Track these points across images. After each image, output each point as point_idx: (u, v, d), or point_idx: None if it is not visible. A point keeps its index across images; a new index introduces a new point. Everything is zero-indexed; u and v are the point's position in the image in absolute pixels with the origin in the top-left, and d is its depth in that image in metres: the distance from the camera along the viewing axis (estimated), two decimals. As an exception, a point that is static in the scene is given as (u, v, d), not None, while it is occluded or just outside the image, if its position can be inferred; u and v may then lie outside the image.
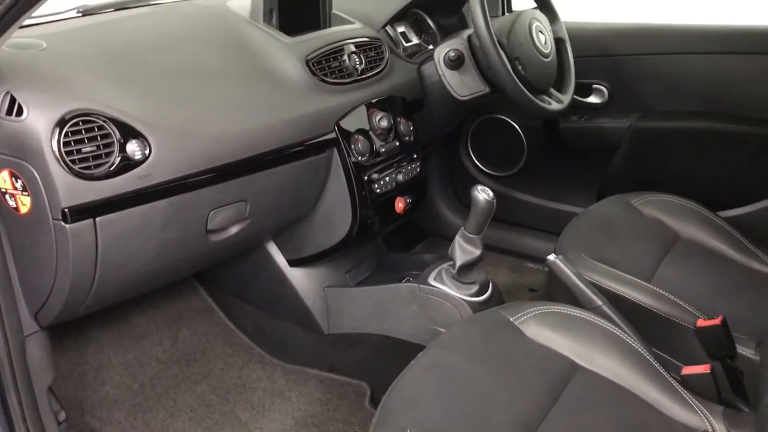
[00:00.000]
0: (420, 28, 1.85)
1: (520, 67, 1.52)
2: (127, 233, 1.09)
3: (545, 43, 1.60)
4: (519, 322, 1.19)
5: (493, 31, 1.45)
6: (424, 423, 0.94)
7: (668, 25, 1.83)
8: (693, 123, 1.82)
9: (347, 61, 1.43)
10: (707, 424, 1.05)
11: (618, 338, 1.18)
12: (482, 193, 1.37)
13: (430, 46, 1.81)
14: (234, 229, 1.30)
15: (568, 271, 1.34)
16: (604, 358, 1.13)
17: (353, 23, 1.54)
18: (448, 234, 2.21)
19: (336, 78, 1.40)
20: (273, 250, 1.55)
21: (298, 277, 1.57)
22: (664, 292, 1.36)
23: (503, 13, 2.08)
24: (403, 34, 1.75)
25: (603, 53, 1.88)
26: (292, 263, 1.57)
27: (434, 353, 1.10)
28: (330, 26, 1.52)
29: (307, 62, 1.36)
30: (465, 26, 1.88)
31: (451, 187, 2.24)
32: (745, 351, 1.25)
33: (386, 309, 1.52)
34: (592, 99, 1.94)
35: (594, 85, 1.93)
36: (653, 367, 1.14)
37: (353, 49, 1.46)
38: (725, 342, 1.26)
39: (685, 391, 1.11)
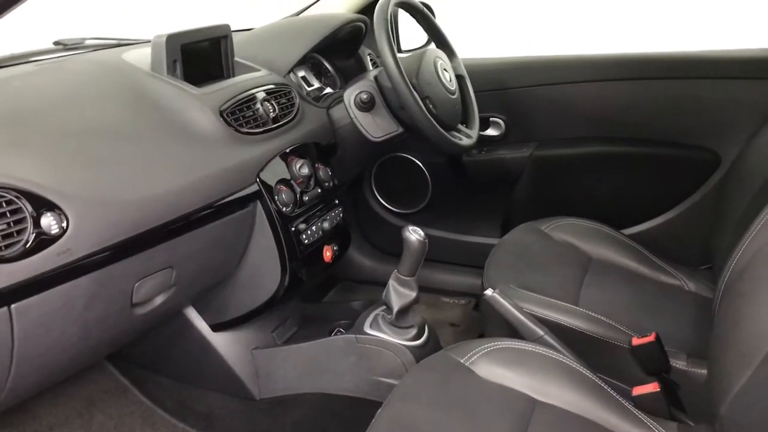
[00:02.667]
0: (319, 72, 1.81)
1: (431, 106, 1.53)
2: (46, 318, 0.96)
3: (450, 80, 1.62)
4: (470, 363, 1.17)
5: (404, 73, 1.45)
6: None
7: (556, 57, 1.92)
8: (586, 148, 1.91)
9: (260, 109, 1.37)
10: (665, 442, 1.07)
11: (567, 367, 1.19)
12: (414, 234, 1.35)
13: (327, 89, 1.79)
14: (159, 299, 1.18)
15: (507, 305, 1.34)
16: (559, 390, 1.13)
17: (258, 70, 1.48)
18: (358, 277, 2.17)
19: (251, 127, 1.34)
20: (193, 315, 1.44)
21: (223, 341, 1.46)
22: (596, 315, 1.39)
23: (395, 52, 2.10)
24: (303, 78, 1.71)
25: (497, 87, 1.94)
26: (215, 328, 1.46)
27: (394, 408, 1.05)
28: (234, 75, 1.45)
29: (221, 113, 1.28)
30: (362, 68, 1.87)
31: (357, 229, 2.21)
32: (678, 363, 1.30)
33: (322, 365, 1.45)
34: (491, 131, 1.99)
35: (491, 118, 1.98)
36: (605, 392, 1.15)
37: (264, 96, 1.40)
38: (660, 357, 1.30)
39: (639, 412, 1.13)
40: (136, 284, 1.10)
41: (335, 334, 1.53)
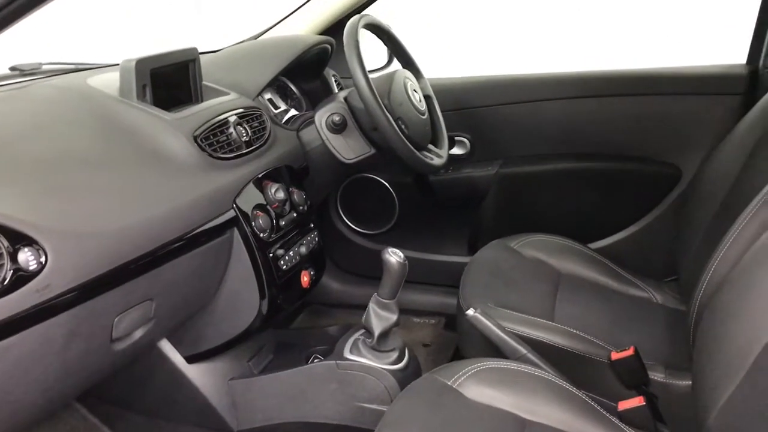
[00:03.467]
0: (285, 94, 1.80)
1: (403, 127, 1.53)
2: (25, 359, 0.91)
3: (420, 101, 1.63)
4: (458, 385, 1.16)
5: (378, 95, 1.45)
6: None
7: (519, 76, 1.95)
8: (551, 165, 1.94)
9: (234, 133, 1.34)
10: (653, 456, 1.08)
11: (553, 384, 1.19)
12: (393, 256, 1.34)
13: (293, 111, 1.77)
14: (138, 333, 1.14)
15: (490, 324, 1.34)
16: (547, 408, 1.13)
17: (227, 93, 1.46)
18: (326, 300, 2.15)
19: (225, 152, 1.31)
20: (167, 348, 1.38)
21: (199, 373, 1.41)
22: (575, 330, 1.40)
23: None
24: (270, 100, 1.69)
25: (462, 106, 1.95)
26: (190, 359, 1.41)
27: None
28: (202, 99, 1.42)
29: (195, 138, 1.25)
30: (328, 89, 1.86)
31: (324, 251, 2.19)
32: (656, 376, 1.32)
33: (302, 393, 1.41)
34: (456, 150, 2.00)
35: (456, 137, 1.99)
36: (592, 408, 1.16)
37: (237, 120, 1.37)
38: (640, 371, 1.31)
39: (626, 427, 1.14)
40: (116, 318, 1.06)
41: (313, 361, 1.50)
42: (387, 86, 1.55)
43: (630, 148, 1.88)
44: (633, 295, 1.65)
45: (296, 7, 1.92)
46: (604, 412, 1.15)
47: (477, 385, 1.16)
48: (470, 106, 1.95)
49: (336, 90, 1.87)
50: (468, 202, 2.02)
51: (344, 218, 2.14)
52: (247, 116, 1.41)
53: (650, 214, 1.88)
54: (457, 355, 1.88)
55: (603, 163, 1.90)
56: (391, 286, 1.36)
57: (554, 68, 1.94)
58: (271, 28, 1.95)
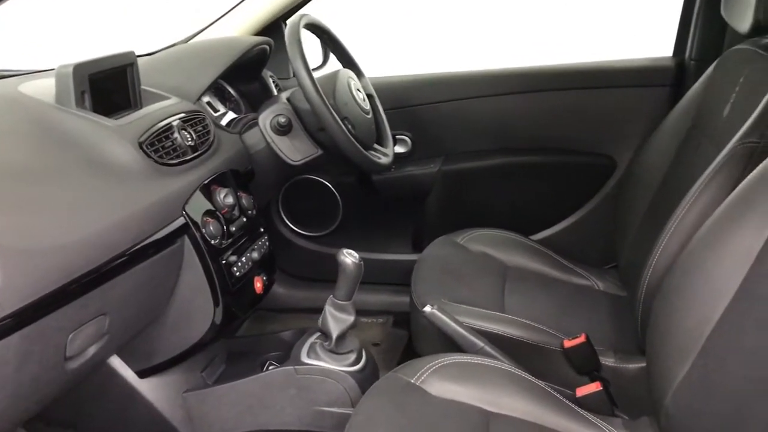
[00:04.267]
0: (223, 96, 1.76)
1: (350, 126, 1.52)
2: (-24, 386, 0.86)
3: (363, 100, 1.62)
4: (420, 382, 1.17)
5: (323, 95, 1.43)
6: None
7: (456, 73, 1.97)
8: (492, 160, 1.97)
9: (179, 138, 1.30)
10: (614, 439, 1.11)
11: (513, 376, 1.21)
12: (349, 257, 1.33)
13: (230, 113, 1.74)
14: (92, 350, 1.08)
15: (448, 320, 1.36)
16: (509, 399, 1.15)
17: (168, 98, 1.41)
18: (271, 305, 2.11)
19: (171, 158, 1.26)
20: (117, 364, 1.33)
21: (151, 388, 1.36)
22: (527, 321, 1.43)
23: (293, 75, 2.07)
24: (209, 104, 1.65)
25: (402, 105, 1.96)
26: (142, 374, 1.36)
27: None
28: (142, 104, 1.37)
29: (140, 145, 1.20)
30: (267, 91, 1.83)
31: None
32: (607, 361, 1.36)
33: (260, 401, 1.39)
34: (398, 149, 2.01)
35: (397, 136, 2.00)
36: (552, 396, 1.18)
37: (181, 125, 1.33)
38: (592, 357, 1.36)
39: (585, 413, 1.17)
40: (70, 336, 1.01)
41: (268, 368, 1.47)
42: (331, 86, 1.54)
43: (566, 141, 1.93)
44: (576, 283, 1.70)
45: (228, 9, 1.89)
46: (564, 400, 1.18)
47: (440, 381, 1.17)
48: (410, 105, 1.97)
49: (275, 91, 1.84)
50: (411, 200, 2.03)
51: (287, 221, 2.11)
52: (191, 120, 1.37)
53: (588, 204, 1.94)
54: (408, 352, 1.89)
55: (541, 156, 1.95)
56: (347, 287, 1.35)
57: (490, 65, 1.98)
58: (203, 30, 1.90)
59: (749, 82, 1.35)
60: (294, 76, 2.02)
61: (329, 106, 1.44)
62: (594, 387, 1.27)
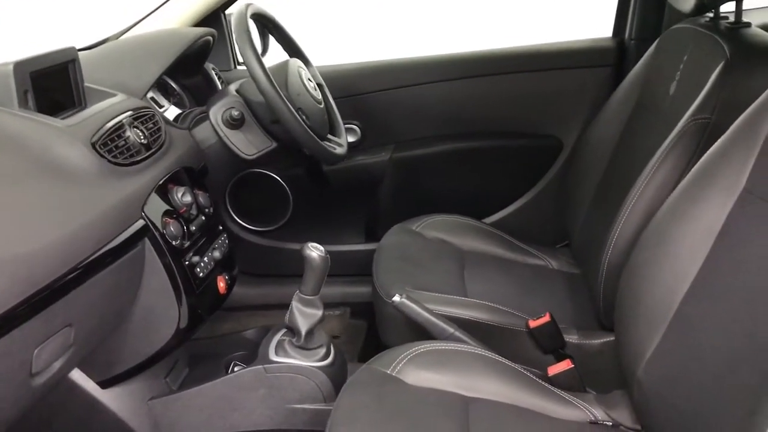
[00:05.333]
0: (165, 91, 1.69)
1: (304, 117, 1.49)
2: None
3: (315, 89, 1.60)
4: (397, 372, 1.17)
5: (278, 87, 1.40)
6: None
7: (403, 60, 1.96)
8: (442, 146, 1.98)
9: (131, 137, 1.24)
10: (589, 413, 1.14)
11: (486, 359, 1.23)
12: (315, 251, 1.31)
13: (173, 108, 1.68)
14: (58, 364, 1.02)
15: (417, 308, 1.35)
16: (485, 383, 1.16)
17: (114, 95, 1.34)
18: (225, 304, 2.06)
19: (126, 158, 1.21)
20: (76, 375, 1.26)
21: (115, 398, 1.30)
22: (492, 304, 1.45)
23: (234, 66, 2.02)
24: (153, 99, 1.58)
25: (349, 93, 1.94)
26: (105, 384, 1.30)
27: None
28: (86, 101, 1.30)
29: (93, 146, 1.14)
30: (211, 83, 1.77)
31: None
32: (571, 338, 1.40)
33: (230, 403, 1.35)
34: (348, 138, 1.99)
35: (346, 125, 1.97)
36: (525, 376, 1.20)
37: (131, 123, 1.27)
38: (557, 335, 1.38)
39: (559, 391, 1.19)
40: (36, 351, 0.95)
41: (233, 369, 1.43)
42: (283, 77, 1.50)
43: (513, 124, 1.96)
44: (531, 263, 1.73)
45: (163, 2, 1.82)
46: (537, 380, 1.20)
47: (415, 370, 1.17)
48: (358, 93, 1.95)
49: (219, 84, 1.79)
50: (363, 190, 2.01)
51: (234, 217, 2.06)
52: (141, 117, 1.31)
53: (537, 185, 1.98)
54: (369, 343, 1.88)
55: (489, 140, 1.97)
56: (314, 281, 1.33)
57: (434, 50, 1.98)
58: (139, 22, 1.82)
59: (693, 60, 1.40)
60: (237, 67, 1.99)
61: (284, 98, 1.40)
62: (565, 365, 1.29)
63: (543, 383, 1.20)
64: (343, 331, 1.93)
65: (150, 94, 1.58)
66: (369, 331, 1.91)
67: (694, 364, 0.94)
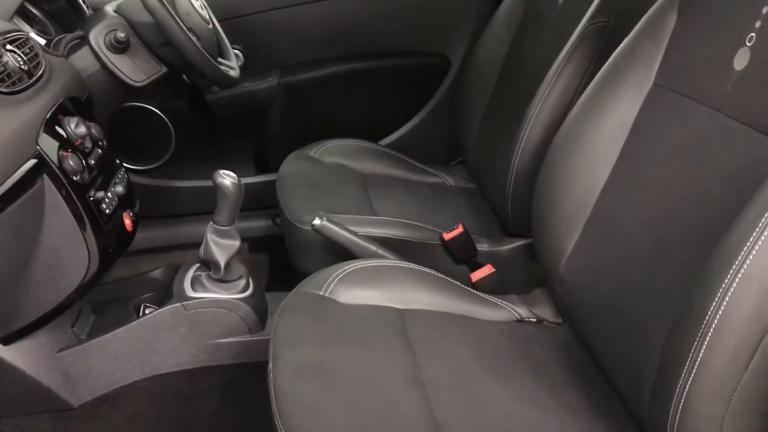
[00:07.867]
0: (27, 17, 1.50)
1: (195, 38, 1.39)
2: None
3: (202, 8, 1.49)
4: (329, 293, 1.16)
5: (168, 5, 1.28)
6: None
7: None
8: (331, 68, 1.93)
9: (11, 61, 1.09)
10: (514, 312, 1.20)
11: (412, 272, 1.24)
12: (227, 178, 1.25)
13: (37, 37, 1.50)
14: None
15: (339, 230, 1.34)
16: (416, 294, 1.19)
17: None
18: None
19: (8, 86, 1.06)
20: (-27, 334, 1.14)
21: (19, 354, 1.18)
22: (408, 221, 1.46)
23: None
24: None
25: (231, 15, 1.83)
26: (6, 340, 1.17)
27: (287, 357, 0.99)
28: None
29: None
30: (77, 7, 1.59)
31: None
32: (482, 247, 1.45)
33: (148, 345, 1.28)
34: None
35: None
36: (452, 284, 1.24)
37: (5, 46, 1.12)
38: (470, 245, 1.43)
39: (485, 295, 1.24)
40: None
41: (144, 311, 1.35)
42: None
43: (399, 43, 1.94)
44: (429, 182, 1.76)
45: None
46: (463, 286, 1.23)
47: (348, 289, 1.16)
48: (239, 15, 1.84)
49: (85, 8, 1.61)
50: (251, 118, 1.93)
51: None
52: (15, 42, 1.16)
53: (428, 104, 1.99)
54: (273, 275, 1.84)
55: (377, 61, 1.94)
56: (229, 211, 1.27)
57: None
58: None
59: None
60: None
61: (175, 17, 1.29)
62: (487, 270, 1.34)
63: (469, 289, 1.23)
64: (246, 266, 1.87)
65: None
66: (271, 264, 1.87)
67: (616, 251, 0.99)
